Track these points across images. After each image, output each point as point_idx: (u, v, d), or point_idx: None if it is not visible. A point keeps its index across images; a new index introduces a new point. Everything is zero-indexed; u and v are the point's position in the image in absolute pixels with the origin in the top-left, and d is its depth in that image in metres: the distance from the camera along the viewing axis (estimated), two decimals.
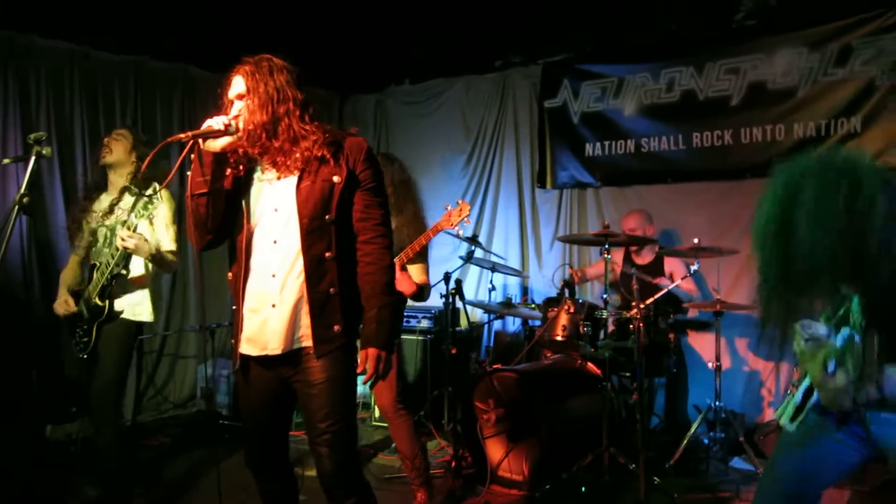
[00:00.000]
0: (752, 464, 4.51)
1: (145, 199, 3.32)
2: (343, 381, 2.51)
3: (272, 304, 2.50)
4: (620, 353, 4.57)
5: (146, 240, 3.48)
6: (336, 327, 2.48)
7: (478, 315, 6.55)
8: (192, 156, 2.47)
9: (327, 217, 2.48)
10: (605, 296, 4.45)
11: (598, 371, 4.51)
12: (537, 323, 5.31)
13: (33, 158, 2.97)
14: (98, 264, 3.62)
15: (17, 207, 2.81)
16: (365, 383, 2.49)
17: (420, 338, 5.82)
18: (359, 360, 2.53)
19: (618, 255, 5.47)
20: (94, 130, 5.79)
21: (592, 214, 6.26)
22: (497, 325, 6.54)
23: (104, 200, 3.79)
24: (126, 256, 3.51)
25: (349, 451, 2.55)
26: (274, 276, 2.50)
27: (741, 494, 4.13)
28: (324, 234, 2.48)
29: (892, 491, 3.78)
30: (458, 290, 4.57)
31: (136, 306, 3.71)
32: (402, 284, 3.67)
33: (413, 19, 5.81)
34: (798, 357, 2.10)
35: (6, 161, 3.73)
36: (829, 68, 5.03)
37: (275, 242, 2.51)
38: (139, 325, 3.77)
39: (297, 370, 2.51)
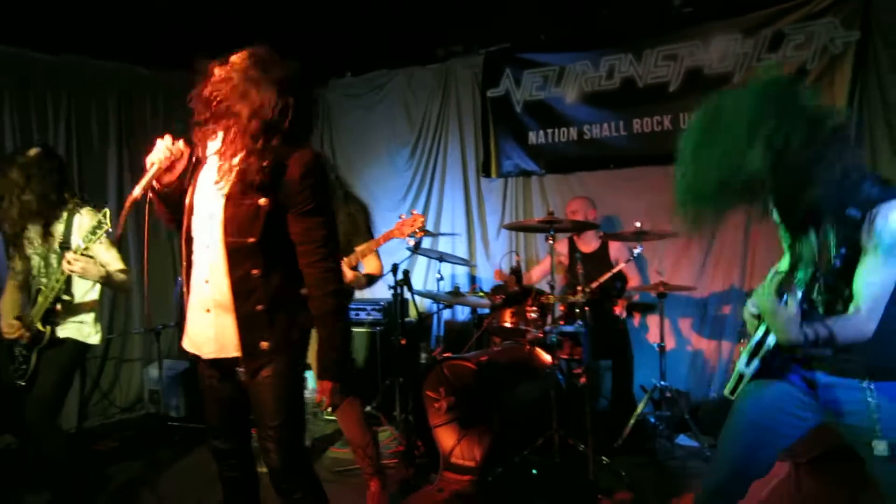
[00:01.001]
0: (697, 441, 4.61)
1: (94, 224, 3.24)
2: (284, 380, 2.47)
3: (206, 308, 2.50)
4: (568, 337, 4.64)
5: (94, 262, 3.38)
6: (264, 344, 2.40)
7: (426, 305, 6.57)
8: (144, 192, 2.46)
9: (250, 240, 2.38)
10: (550, 281, 4.51)
11: (547, 355, 4.56)
12: (486, 311, 5.35)
13: None
14: (42, 289, 3.52)
15: None
16: (324, 410, 2.46)
17: (369, 330, 5.81)
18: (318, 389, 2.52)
19: (562, 246, 5.53)
20: (26, 134, 5.65)
21: (537, 202, 6.32)
22: (446, 314, 6.57)
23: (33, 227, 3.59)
24: (68, 281, 3.43)
25: (295, 447, 2.54)
26: (207, 282, 2.48)
27: (687, 470, 4.24)
28: (249, 253, 2.40)
29: (832, 462, 3.87)
30: (406, 280, 4.58)
31: (83, 328, 3.61)
32: (354, 281, 3.76)
33: (353, 11, 5.78)
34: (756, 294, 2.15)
35: None
36: (763, 53, 5.15)
37: (207, 248, 2.47)
38: (85, 347, 3.66)
39: (239, 371, 2.49)
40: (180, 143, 2.50)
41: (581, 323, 4.38)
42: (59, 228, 3.52)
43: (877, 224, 1.94)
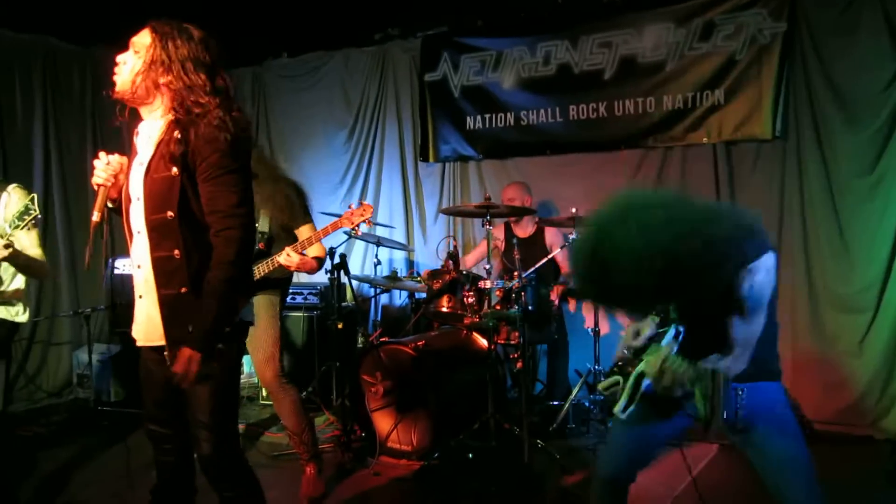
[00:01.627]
0: None
1: (20, 210, 3.12)
2: (208, 382, 2.36)
3: (139, 294, 2.46)
4: (504, 321, 4.69)
5: (14, 248, 3.23)
6: (191, 327, 2.30)
7: (364, 290, 6.55)
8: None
9: (169, 214, 2.31)
10: (487, 266, 4.54)
11: (484, 340, 4.61)
12: (423, 296, 5.36)
13: None
14: None
15: None
16: (175, 384, 2.31)
17: (306, 314, 5.77)
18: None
19: (499, 231, 5.58)
20: None
21: (475, 187, 6.35)
22: (384, 299, 6.56)
23: None
24: None
25: (226, 437, 2.50)
26: (139, 266, 2.43)
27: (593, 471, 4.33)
28: (169, 231, 2.32)
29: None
30: (343, 265, 4.56)
31: (10, 308, 3.51)
32: (305, 267, 3.75)
33: None
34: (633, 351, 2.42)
35: None
36: (694, 43, 5.26)
37: (138, 233, 2.42)
38: (13, 326, 3.55)
39: (167, 363, 2.37)
40: (116, 157, 2.46)
41: (517, 307, 4.43)
42: None
43: (744, 289, 2.16)
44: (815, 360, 4.81)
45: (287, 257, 3.67)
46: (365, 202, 3.79)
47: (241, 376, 6.07)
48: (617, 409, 2.39)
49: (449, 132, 6.33)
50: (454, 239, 5.58)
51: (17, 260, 3.28)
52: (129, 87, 2.37)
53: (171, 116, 2.34)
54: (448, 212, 5.71)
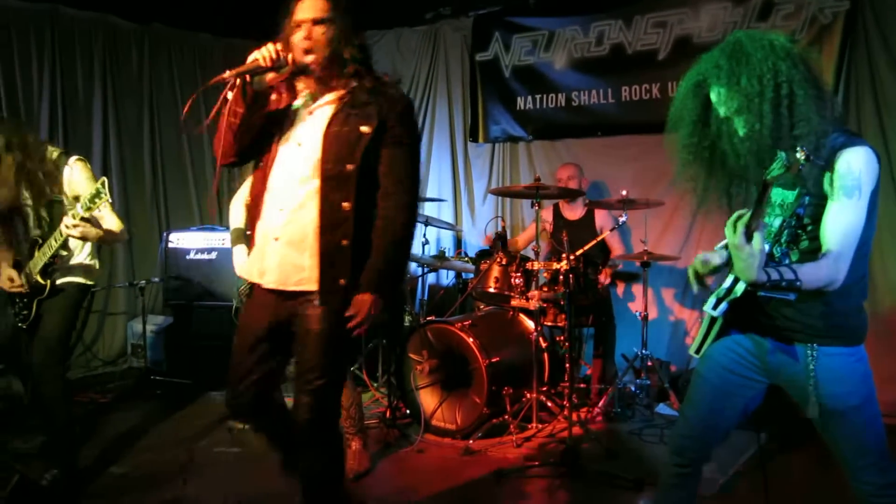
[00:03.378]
0: (676, 410, 4.69)
1: (92, 193, 3.21)
2: (339, 338, 2.47)
3: (275, 237, 2.49)
4: (551, 303, 4.68)
5: (92, 226, 3.36)
6: (342, 280, 2.42)
7: (411, 269, 6.58)
8: (230, 90, 2.40)
9: (349, 167, 2.42)
10: (534, 246, 4.53)
11: (530, 322, 4.60)
12: (471, 276, 5.37)
13: None
14: (39, 242, 3.50)
15: None
16: (352, 326, 2.41)
17: None
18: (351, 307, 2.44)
19: (548, 213, 5.55)
20: (9, 86, 5.59)
21: (524, 168, 6.32)
22: (431, 278, 6.60)
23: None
24: (67, 238, 3.43)
25: (329, 406, 2.56)
26: (281, 210, 2.49)
27: (665, 439, 4.29)
28: (345, 184, 2.42)
29: (798, 437, 3.91)
30: None
31: (81, 271, 3.64)
32: None
33: None
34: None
35: None
36: (752, 22, 5.13)
37: (290, 176, 2.48)
38: (87, 288, 3.70)
39: (296, 313, 2.48)
40: (287, 55, 2.45)
41: (564, 289, 4.41)
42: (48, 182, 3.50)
43: (839, 168, 1.96)
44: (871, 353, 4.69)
45: None
46: None
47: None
48: (691, 349, 2.32)
49: (499, 112, 6.31)
50: (502, 219, 5.57)
51: (89, 237, 3.41)
52: (321, 57, 2.44)
53: (355, 81, 2.47)
54: (497, 192, 5.70)
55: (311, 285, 2.44)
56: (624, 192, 4.70)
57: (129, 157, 6.43)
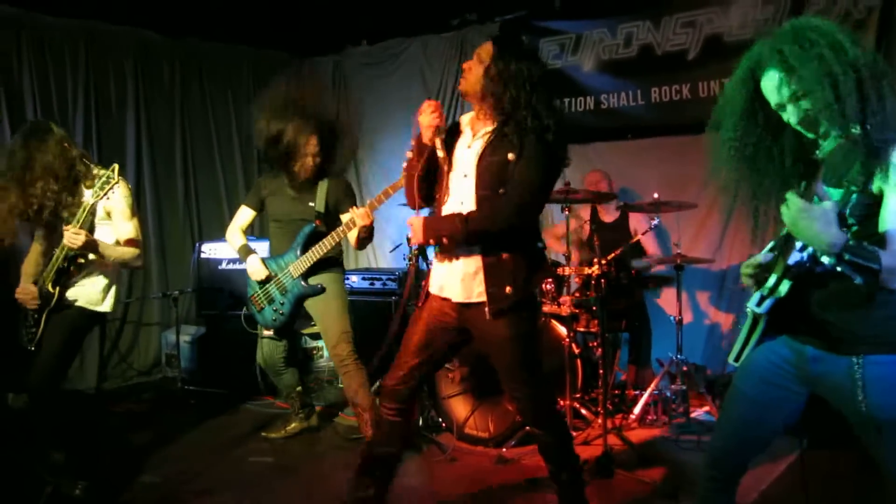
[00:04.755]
0: (712, 416, 4.61)
1: (103, 179, 3.24)
2: (525, 338, 2.88)
3: (453, 258, 2.88)
4: (583, 308, 4.62)
5: (94, 240, 3.37)
6: (507, 288, 2.78)
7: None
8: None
9: (501, 191, 2.77)
10: (564, 250, 4.49)
11: (562, 328, 4.55)
12: None
13: None
14: (56, 251, 3.48)
15: None
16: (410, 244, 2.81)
17: (386, 300, 5.83)
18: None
19: (585, 212, 5.51)
20: (45, 98, 5.69)
21: None
22: None
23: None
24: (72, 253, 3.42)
25: (542, 395, 3.00)
26: None
27: (702, 445, 4.20)
28: (495, 203, 2.77)
29: (838, 447, 3.81)
30: (422, 250, 4.56)
31: (92, 294, 3.58)
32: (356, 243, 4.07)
33: None
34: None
35: None
36: (784, 19, 5.01)
37: (461, 204, 2.85)
38: (94, 315, 3.61)
39: (478, 323, 2.87)
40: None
41: (597, 295, 4.36)
42: (87, 196, 3.52)
43: (893, 161, 1.86)
44: None
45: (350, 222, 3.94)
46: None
47: (321, 360, 6.23)
48: (731, 356, 2.22)
49: None
50: None
51: (88, 249, 3.36)
52: (471, 89, 2.86)
53: (502, 118, 2.79)
54: None
55: (484, 297, 2.82)
56: (656, 195, 4.64)
57: (162, 169, 6.51)
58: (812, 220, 1.82)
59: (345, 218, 3.97)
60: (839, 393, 2.04)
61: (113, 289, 3.67)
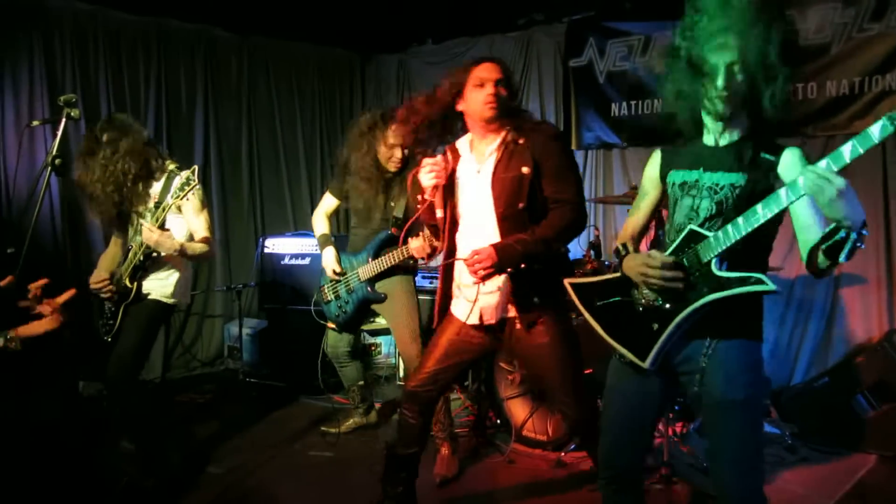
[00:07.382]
0: (778, 427, 4.50)
1: (183, 180, 3.31)
2: (560, 344, 2.91)
3: (480, 282, 2.80)
4: None
5: (171, 236, 3.43)
6: (536, 298, 2.83)
7: None
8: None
9: (520, 206, 2.78)
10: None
11: None
12: None
13: (63, 120, 3.00)
14: (132, 246, 3.60)
15: (48, 168, 2.85)
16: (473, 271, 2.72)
17: None
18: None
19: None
20: (118, 92, 5.84)
21: (619, 175, 6.19)
22: None
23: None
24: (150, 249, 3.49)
25: (584, 397, 3.02)
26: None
27: (767, 457, 4.11)
28: (518, 219, 2.79)
29: None
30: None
31: (166, 287, 3.67)
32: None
33: None
34: None
35: (35, 123, 3.78)
36: (865, 23, 4.88)
37: (476, 225, 2.89)
38: (168, 307, 3.70)
39: (511, 337, 2.92)
40: (439, 159, 2.92)
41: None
42: (156, 189, 3.62)
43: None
44: None
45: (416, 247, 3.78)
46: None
47: (379, 357, 6.26)
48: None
49: (593, 119, 6.21)
50: (596, 228, 5.48)
51: (163, 247, 3.40)
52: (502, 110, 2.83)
53: (507, 129, 2.85)
54: (591, 201, 5.60)
55: (514, 311, 2.87)
56: None
57: (229, 165, 6.64)
58: (852, 194, 1.84)
59: (412, 245, 3.78)
60: (689, 377, 2.24)
61: (187, 282, 3.78)
